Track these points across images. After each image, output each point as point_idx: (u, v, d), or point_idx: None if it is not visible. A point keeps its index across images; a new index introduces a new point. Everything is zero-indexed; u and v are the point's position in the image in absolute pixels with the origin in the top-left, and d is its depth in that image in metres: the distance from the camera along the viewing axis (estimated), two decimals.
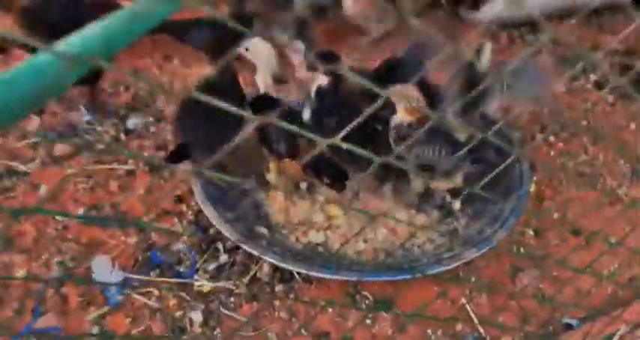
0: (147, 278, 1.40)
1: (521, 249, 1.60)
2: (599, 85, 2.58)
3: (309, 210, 1.64)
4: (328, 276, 1.34)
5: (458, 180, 1.54)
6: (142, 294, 1.36)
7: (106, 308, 1.31)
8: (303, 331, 1.31)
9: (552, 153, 2.04)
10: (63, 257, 1.43)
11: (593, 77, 2.66)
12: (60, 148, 1.79)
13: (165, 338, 1.25)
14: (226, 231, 1.41)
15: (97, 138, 1.88)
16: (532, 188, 1.83)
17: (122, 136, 1.90)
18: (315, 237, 1.53)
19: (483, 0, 3.18)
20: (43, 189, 1.65)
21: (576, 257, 1.49)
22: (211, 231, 1.53)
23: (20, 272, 1.38)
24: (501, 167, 0.81)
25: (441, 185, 1.57)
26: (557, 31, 3.15)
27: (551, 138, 2.13)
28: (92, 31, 0.55)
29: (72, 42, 0.53)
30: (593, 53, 2.94)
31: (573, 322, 1.36)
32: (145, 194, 1.65)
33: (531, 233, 1.65)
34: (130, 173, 1.75)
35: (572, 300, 1.41)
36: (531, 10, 3.01)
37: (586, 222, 1.68)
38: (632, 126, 2.25)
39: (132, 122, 1.97)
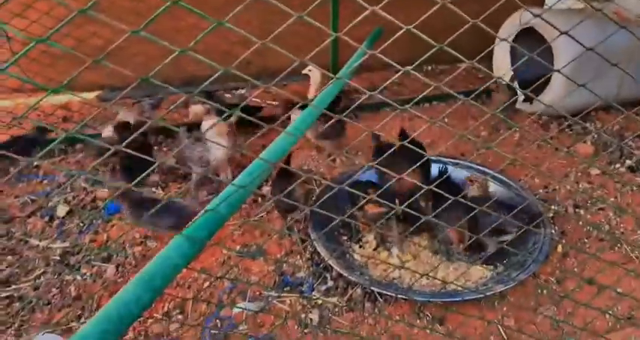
0: (282, 293, 2.17)
1: (544, 291, 2.17)
2: (631, 169, 3.11)
3: (388, 257, 2.36)
4: (402, 297, 2.03)
5: (507, 237, 2.19)
6: (280, 302, 2.12)
7: (258, 309, 2.09)
8: (383, 333, 1.99)
9: (581, 222, 2.61)
10: (230, 275, 2.25)
11: (628, 162, 3.19)
12: None
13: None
14: (334, 265, 2.16)
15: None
16: (560, 248, 2.42)
17: (259, 199, 2.77)
18: (393, 274, 2.23)
19: (537, 94, 3.85)
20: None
21: (586, 298, 2.05)
22: (322, 265, 2.29)
23: (206, 283, 2.20)
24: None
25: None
26: (602, 122, 3.74)
27: (582, 212, 2.70)
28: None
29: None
30: (630, 142, 3.47)
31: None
32: (278, 238, 2.47)
33: (554, 280, 2.23)
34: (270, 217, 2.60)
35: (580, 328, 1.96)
36: (580, 102, 3.62)
37: (600, 276, 2.22)
38: None
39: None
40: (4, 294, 2.13)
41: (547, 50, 3.67)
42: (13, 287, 2.18)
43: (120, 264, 2.31)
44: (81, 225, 2.56)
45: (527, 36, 3.94)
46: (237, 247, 2.43)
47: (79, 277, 2.24)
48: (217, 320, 2.03)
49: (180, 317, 2.05)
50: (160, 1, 0.75)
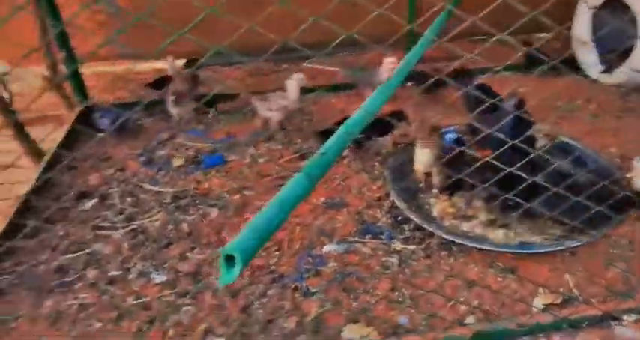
0: (364, 239, 2.42)
1: (615, 250, 2.29)
2: None
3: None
4: (475, 246, 2.23)
5: None
6: (363, 246, 2.38)
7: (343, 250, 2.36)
8: (458, 279, 2.20)
9: None
10: (318, 222, 2.53)
11: None
12: None
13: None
14: (412, 217, 2.38)
15: None
16: (634, 212, 2.50)
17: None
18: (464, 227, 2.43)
19: (615, 65, 3.80)
20: None
21: None
22: (399, 218, 2.52)
23: (298, 228, 2.50)
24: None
25: None
26: None
27: None
28: None
29: None
30: None
31: None
32: (358, 192, 2.72)
33: (625, 242, 2.34)
34: (348, 177, 2.85)
35: None
36: None
37: None
38: None
39: None
40: (130, 228, 2.53)
41: (630, 22, 3.62)
42: (136, 222, 2.57)
43: (221, 208, 2.65)
44: (183, 175, 2.94)
45: (612, 7, 3.87)
46: (322, 199, 2.71)
47: (188, 217, 2.60)
48: (309, 258, 2.32)
49: (277, 253, 2.36)
50: None
